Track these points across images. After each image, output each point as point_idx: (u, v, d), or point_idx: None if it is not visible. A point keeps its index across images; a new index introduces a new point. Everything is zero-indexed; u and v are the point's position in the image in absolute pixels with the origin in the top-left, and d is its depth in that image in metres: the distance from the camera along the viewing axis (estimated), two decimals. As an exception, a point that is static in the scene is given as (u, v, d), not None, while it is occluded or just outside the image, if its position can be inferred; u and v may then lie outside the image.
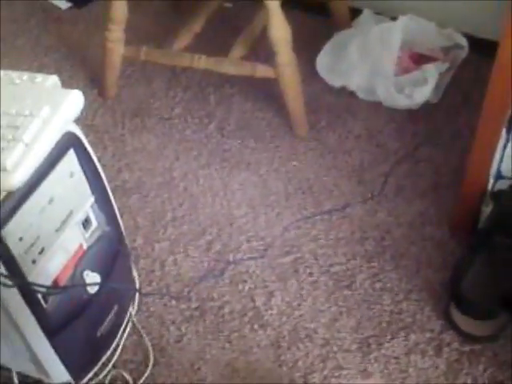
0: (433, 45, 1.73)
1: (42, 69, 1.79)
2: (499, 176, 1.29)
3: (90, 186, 1.04)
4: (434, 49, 1.73)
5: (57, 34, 1.92)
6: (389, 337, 1.24)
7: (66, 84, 1.00)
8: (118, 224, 1.15)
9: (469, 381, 1.17)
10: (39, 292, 0.98)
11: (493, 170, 1.28)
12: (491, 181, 1.29)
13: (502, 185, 1.28)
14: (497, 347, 1.20)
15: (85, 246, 1.06)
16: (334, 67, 1.72)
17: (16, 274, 0.92)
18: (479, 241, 1.24)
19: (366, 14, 1.79)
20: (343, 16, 1.82)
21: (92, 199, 1.05)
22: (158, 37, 1.79)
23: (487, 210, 1.29)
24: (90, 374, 1.18)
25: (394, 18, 1.71)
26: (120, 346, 1.23)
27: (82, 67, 1.81)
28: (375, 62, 1.65)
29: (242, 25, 1.65)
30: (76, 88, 0.95)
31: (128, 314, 1.26)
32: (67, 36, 1.92)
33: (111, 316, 1.17)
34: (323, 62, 1.74)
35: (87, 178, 1.02)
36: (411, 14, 1.70)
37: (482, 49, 1.50)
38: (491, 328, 1.21)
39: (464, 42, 1.73)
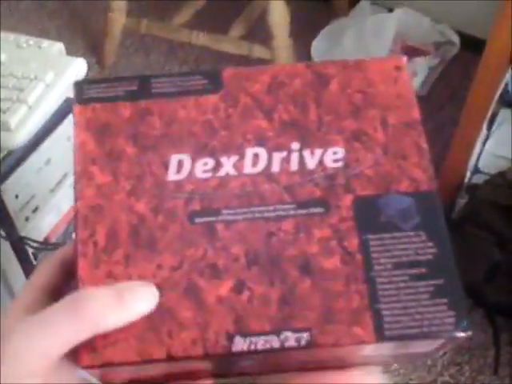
0: (425, 39, 1.78)
1: (43, 33, 1.82)
2: (476, 170, 1.35)
3: (86, 150, 1.08)
4: (426, 43, 1.77)
5: (60, -1, 1.95)
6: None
7: (66, 50, 1.03)
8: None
9: (429, 362, 1.23)
10: (31, 247, 1.02)
11: (471, 164, 1.33)
12: (468, 174, 1.34)
13: (479, 179, 1.34)
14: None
15: (77, 207, 1.10)
16: (329, 54, 1.76)
17: (10, 229, 0.96)
18: (451, 230, 1.30)
19: (364, 3, 1.84)
20: (341, 4, 1.86)
21: (87, 163, 1.09)
22: (160, 10, 1.82)
23: (462, 202, 1.34)
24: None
25: (390, 10, 1.76)
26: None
27: (83, 34, 1.85)
28: (368, 52, 1.69)
29: (242, 5, 1.69)
30: (75, 55, 0.99)
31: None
32: (71, 1, 1.95)
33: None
34: (318, 47, 1.78)
35: (84, 142, 1.06)
36: (407, 8, 1.75)
37: (473, 47, 1.54)
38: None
39: (456, 38, 1.78)
